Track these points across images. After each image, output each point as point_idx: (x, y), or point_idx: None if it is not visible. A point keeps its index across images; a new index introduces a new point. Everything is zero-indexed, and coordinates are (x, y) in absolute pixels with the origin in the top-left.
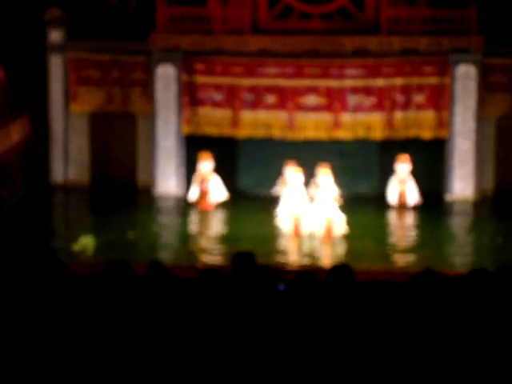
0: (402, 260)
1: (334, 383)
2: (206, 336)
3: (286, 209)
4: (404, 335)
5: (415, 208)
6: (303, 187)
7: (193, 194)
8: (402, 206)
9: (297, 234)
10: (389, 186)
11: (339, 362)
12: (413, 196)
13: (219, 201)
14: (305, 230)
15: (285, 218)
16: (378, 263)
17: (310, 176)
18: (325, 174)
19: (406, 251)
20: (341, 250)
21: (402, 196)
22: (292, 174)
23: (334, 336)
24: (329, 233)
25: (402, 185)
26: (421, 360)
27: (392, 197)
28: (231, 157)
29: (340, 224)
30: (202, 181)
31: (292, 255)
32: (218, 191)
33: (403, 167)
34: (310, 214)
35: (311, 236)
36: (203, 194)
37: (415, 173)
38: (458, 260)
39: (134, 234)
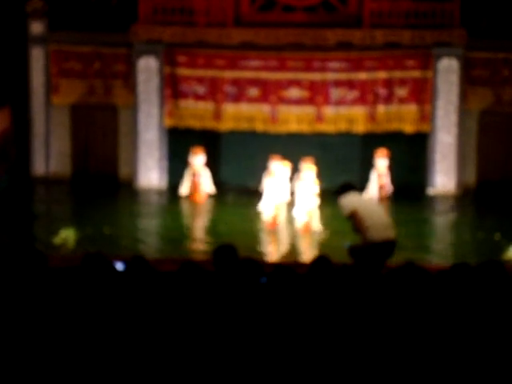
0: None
1: (316, 375)
2: (186, 329)
3: (268, 202)
4: (384, 328)
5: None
6: (288, 181)
7: (184, 188)
8: (382, 200)
9: (274, 227)
10: (370, 179)
11: (321, 353)
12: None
13: (208, 195)
14: (285, 224)
15: (267, 211)
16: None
17: (292, 169)
18: (308, 169)
19: None
20: (320, 243)
21: (382, 189)
22: (279, 167)
23: (315, 329)
24: (307, 227)
25: (381, 179)
26: (401, 353)
27: (373, 190)
28: (214, 150)
29: (316, 219)
30: (194, 175)
31: (272, 248)
32: (208, 185)
33: (381, 161)
34: (291, 207)
35: (291, 229)
36: (195, 188)
37: (398, 166)
38: (439, 254)
39: (112, 228)
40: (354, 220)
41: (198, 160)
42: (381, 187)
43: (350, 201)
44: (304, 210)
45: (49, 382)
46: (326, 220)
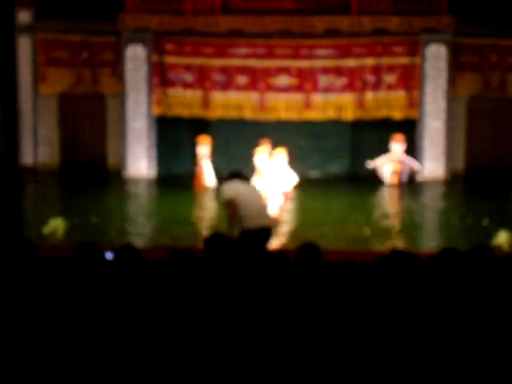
0: (369, 240)
1: (307, 365)
2: (177, 318)
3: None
4: (373, 317)
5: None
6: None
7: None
8: (395, 186)
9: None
10: (381, 164)
11: (311, 342)
12: (411, 171)
13: (210, 185)
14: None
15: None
16: (346, 244)
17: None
18: (280, 154)
19: (374, 231)
20: (309, 231)
21: (396, 175)
22: (277, 154)
23: (305, 317)
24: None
25: (397, 164)
26: (390, 342)
27: (385, 175)
28: None
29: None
30: (199, 164)
31: None
32: (209, 177)
33: (397, 146)
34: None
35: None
36: (199, 176)
37: (387, 153)
38: (428, 239)
39: (101, 217)
40: (230, 207)
41: (203, 149)
42: (395, 173)
43: (230, 188)
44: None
45: (41, 374)
46: (306, 207)
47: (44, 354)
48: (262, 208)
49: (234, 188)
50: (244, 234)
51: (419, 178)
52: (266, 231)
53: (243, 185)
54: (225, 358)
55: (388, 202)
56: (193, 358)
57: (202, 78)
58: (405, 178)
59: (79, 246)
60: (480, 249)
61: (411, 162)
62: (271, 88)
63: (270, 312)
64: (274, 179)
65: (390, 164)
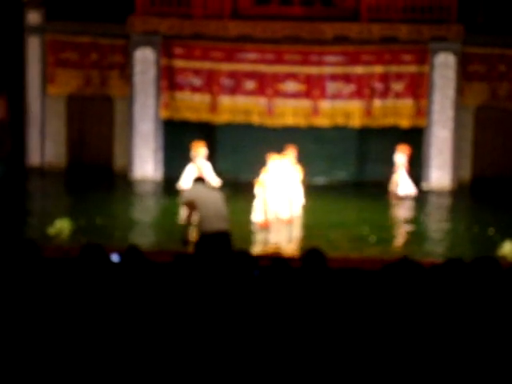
0: (375, 248)
1: (310, 369)
2: (181, 321)
3: (261, 196)
4: (378, 323)
5: (405, 198)
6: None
7: (184, 182)
8: (393, 197)
9: (266, 226)
10: (397, 177)
11: (314, 347)
12: (404, 187)
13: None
14: (276, 216)
15: (259, 205)
16: (352, 251)
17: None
18: (274, 160)
19: (380, 239)
20: (315, 237)
21: (394, 185)
22: (276, 164)
23: (309, 323)
24: (267, 222)
25: (396, 175)
26: (394, 348)
27: (404, 188)
28: (209, 142)
29: (299, 205)
30: (199, 169)
31: (264, 241)
32: (211, 178)
33: (398, 157)
34: (281, 199)
35: (280, 222)
36: None
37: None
38: (433, 249)
39: (107, 219)
40: (188, 210)
41: (201, 153)
42: (393, 184)
43: (191, 191)
44: (286, 199)
45: (45, 376)
46: (313, 213)
47: (49, 355)
48: (221, 213)
49: (194, 191)
50: (202, 237)
51: (412, 192)
52: (223, 235)
53: (204, 189)
54: (229, 360)
55: (394, 210)
56: (197, 360)
57: (210, 83)
58: (402, 190)
59: (85, 248)
60: (485, 259)
61: (405, 180)
62: (279, 94)
63: (276, 318)
64: (288, 186)
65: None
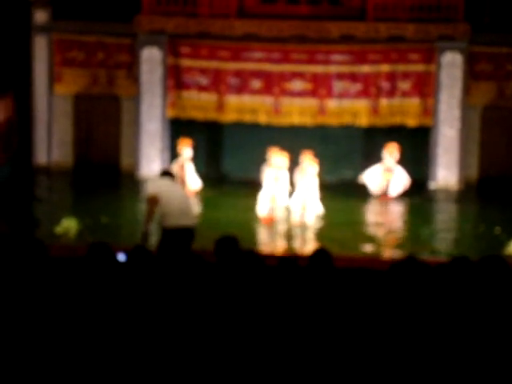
0: (382, 248)
1: (316, 369)
2: (187, 320)
3: (266, 194)
4: (384, 322)
5: (398, 197)
6: (287, 173)
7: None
8: (384, 196)
9: (270, 222)
10: (371, 173)
11: (320, 346)
12: (397, 185)
13: (196, 189)
14: (283, 216)
15: (263, 208)
16: (359, 250)
17: (293, 161)
18: (310, 162)
19: (386, 239)
20: (319, 236)
21: (386, 185)
22: (277, 159)
23: (316, 322)
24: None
25: (388, 174)
26: (400, 347)
27: (374, 186)
28: (216, 141)
29: (313, 213)
30: (181, 167)
31: (268, 241)
32: (193, 181)
33: (387, 156)
34: (290, 200)
35: (288, 222)
36: (181, 181)
37: (400, 160)
38: (440, 248)
39: (114, 218)
40: (150, 203)
41: (186, 152)
42: (385, 183)
43: (154, 185)
44: (300, 202)
45: (51, 375)
46: (326, 213)
47: (55, 354)
48: (185, 208)
49: (157, 185)
50: (164, 232)
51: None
52: (187, 231)
53: (169, 183)
54: (236, 359)
55: (398, 210)
56: (205, 358)
57: (217, 82)
58: (394, 189)
59: (92, 247)
60: (492, 257)
61: (401, 174)
62: (286, 93)
63: (281, 317)
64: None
65: (381, 174)
